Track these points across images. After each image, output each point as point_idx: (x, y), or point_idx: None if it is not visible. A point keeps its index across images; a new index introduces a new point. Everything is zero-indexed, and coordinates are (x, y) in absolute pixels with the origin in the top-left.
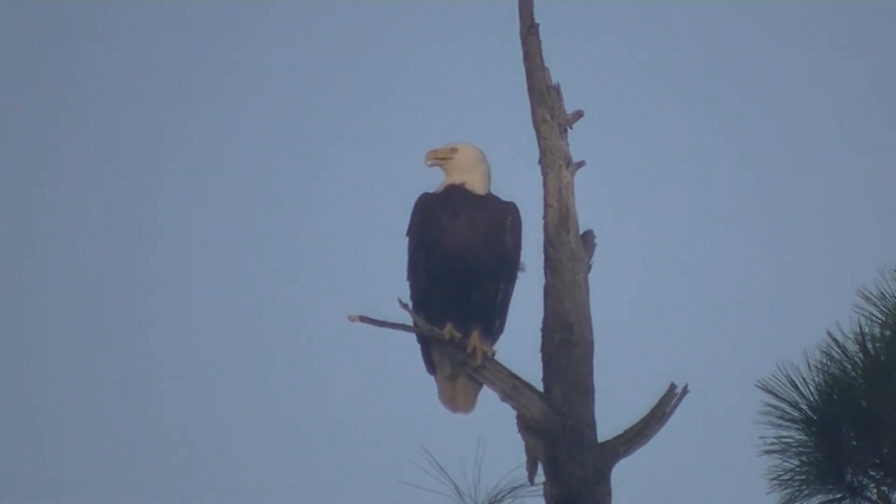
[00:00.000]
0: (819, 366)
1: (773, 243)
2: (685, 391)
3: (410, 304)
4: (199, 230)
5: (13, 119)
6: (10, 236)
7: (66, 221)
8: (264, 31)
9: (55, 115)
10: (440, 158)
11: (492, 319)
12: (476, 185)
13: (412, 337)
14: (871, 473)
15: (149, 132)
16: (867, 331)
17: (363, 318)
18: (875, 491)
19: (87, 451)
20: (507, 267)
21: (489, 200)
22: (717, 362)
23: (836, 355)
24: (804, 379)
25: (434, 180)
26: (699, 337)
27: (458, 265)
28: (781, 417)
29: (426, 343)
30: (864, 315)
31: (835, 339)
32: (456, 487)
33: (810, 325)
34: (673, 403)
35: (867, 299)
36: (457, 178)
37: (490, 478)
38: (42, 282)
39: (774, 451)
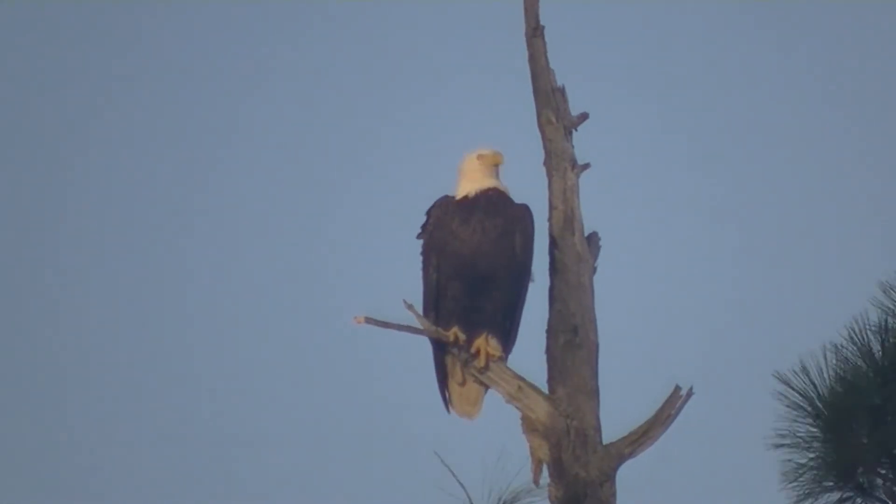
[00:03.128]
0: (834, 360)
1: (781, 243)
2: (690, 393)
3: (422, 305)
4: (205, 232)
5: (24, 119)
6: (23, 236)
7: (76, 224)
8: (272, 32)
9: (60, 117)
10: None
11: (502, 325)
12: (480, 188)
13: (423, 340)
14: (881, 472)
15: (156, 133)
16: (886, 325)
17: (368, 320)
18: (884, 490)
19: (86, 450)
20: (518, 272)
21: (504, 205)
22: (722, 364)
23: (852, 350)
24: (818, 373)
25: (440, 181)
26: (704, 339)
27: (468, 269)
28: (794, 409)
29: (439, 348)
30: (883, 309)
31: (851, 335)
32: (466, 491)
33: (814, 326)
34: (678, 405)
35: (887, 294)
36: (482, 184)
37: (496, 480)
38: (48, 283)
39: (786, 445)
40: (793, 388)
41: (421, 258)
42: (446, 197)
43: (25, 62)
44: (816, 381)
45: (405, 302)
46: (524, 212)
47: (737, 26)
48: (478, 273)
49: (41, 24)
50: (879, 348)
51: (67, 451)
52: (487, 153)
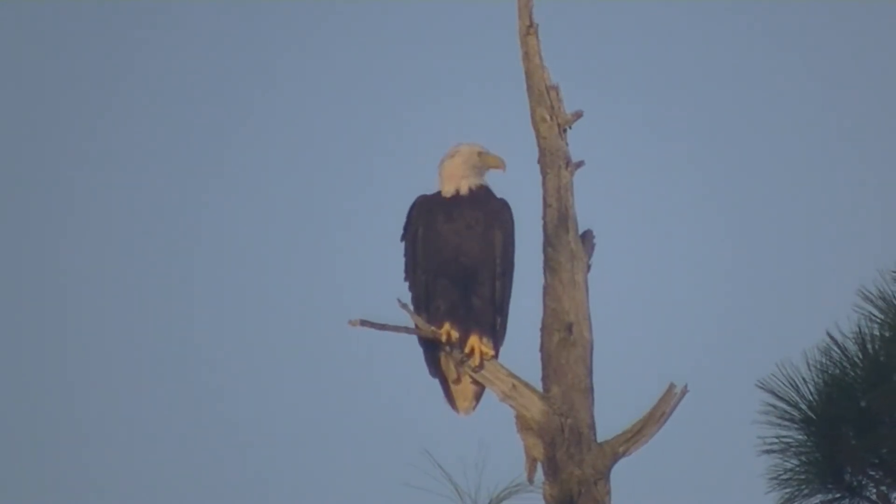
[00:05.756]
0: (819, 366)
1: (773, 243)
2: (684, 391)
3: (412, 305)
4: (200, 234)
5: (25, 120)
6: (25, 237)
7: (81, 224)
8: (265, 31)
9: (60, 118)
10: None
11: (492, 319)
12: (470, 185)
13: (414, 340)
14: (871, 473)
15: (157, 134)
16: (867, 331)
17: (364, 323)
18: (874, 491)
19: (87, 451)
20: (502, 267)
21: (481, 201)
22: (716, 362)
23: (835, 355)
24: (804, 378)
25: (431, 181)
26: (698, 337)
27: (451, 266)
28: (781, 417)
29: (429, 346)
30: (863, 315)
31: (834, 339)
32: (457, 489)
33: (810, 324)
34: (672, 403)
35: (867, 299)
36: (458, 179)
37: (490, 479)
38: (51, 283)
39: (774, 451)
40: (778, 396)
41: (405, 260)
42: (425, 196)
43: (29, 62)
44: (802, 388)
45: (399, 302)
46: (502, 207)
47: (731, 24)
48: (462, 270)
49: (42, 24)
50: (860, 353)
51: (68, 451)
52: (490, 156)
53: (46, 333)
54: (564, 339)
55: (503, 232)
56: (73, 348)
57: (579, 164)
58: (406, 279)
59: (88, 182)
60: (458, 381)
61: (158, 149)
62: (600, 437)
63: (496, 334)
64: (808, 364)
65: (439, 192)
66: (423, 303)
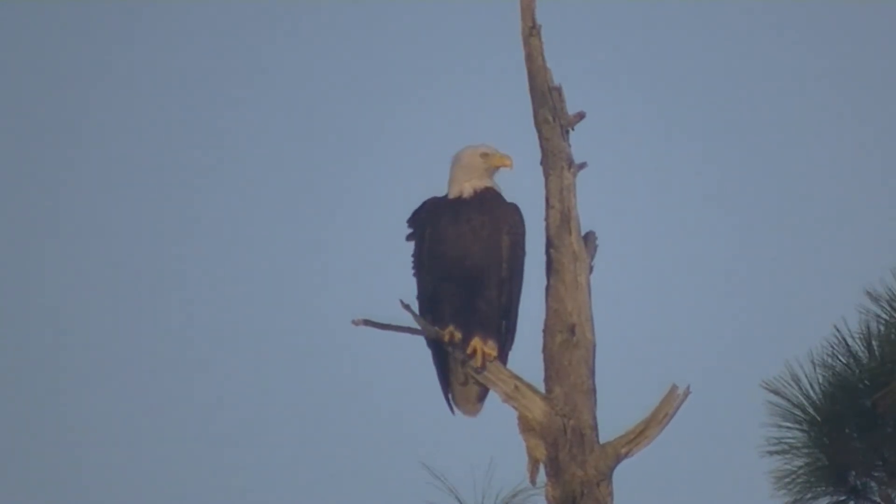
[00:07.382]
0: (824, 365)
1: (778, 243)
2: (687, 392)
3: (417, 303)
4: (202, 234)
5: (20, 120)
6: (21, 238)
7: (77, 225)
8: (269, 31)
9: (56, 118)
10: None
11: (499, 325)
12: (475, 187)
13: (421, 343)
14: (875, 475)
15: (154, 133)
16: (873, 331)
17: (367, 322)
18: (878, 493)
19: (85, 453)
20: (509, 272)
21: (488, 204)
22: (719, 363)
23: (841, 355)
24: (808, 379)
25: (437, 182)
26: (701, 338)
27: (457, 270)
28: (785, 418)
29: (437, 349)
30: (870, 315)
31: (842, 339)
32: (458, 498)
33: (815, 325)
34: (675, 405)
35: (874, 299)
36: (474, 183)
37: (492, 481)
38: (47, 285)
39: (778, 452)
40: (783, 397)
41: (412, 261)
42: (434, 198)
43: (22, 62)
44: (806, 388)
45: (402, 302)
46: (512, 212)
47: (734, 25)
48: (467, 273)
49: (38, 24)
50: (866, 352)
51: (66, 453)
52: (494, 155)
53: (45, 335)
54: (567, 340)
55: (511, 236)
56: (73, 348)
57: (582, 166)
58: (415, 276)
59: (84, 182)
60: (465, 383)
61: (159, 147)
62: (603, 439)
63: (502, 338)
64: (813, 364)
65: (448, 195)
66: (430, 305)
